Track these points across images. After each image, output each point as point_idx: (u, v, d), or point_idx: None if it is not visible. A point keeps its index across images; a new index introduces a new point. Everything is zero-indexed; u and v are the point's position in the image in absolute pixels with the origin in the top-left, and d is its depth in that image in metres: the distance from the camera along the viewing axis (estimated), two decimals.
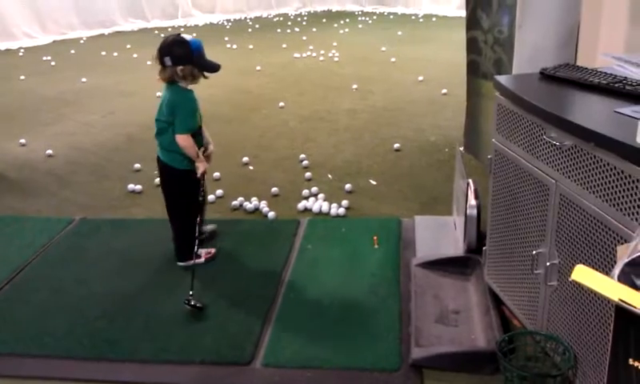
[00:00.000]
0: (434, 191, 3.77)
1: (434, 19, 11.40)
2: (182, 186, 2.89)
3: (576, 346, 1.95)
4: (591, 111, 1.94)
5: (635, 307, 1.05)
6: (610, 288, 1.11)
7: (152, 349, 2.39)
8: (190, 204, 2.88)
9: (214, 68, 2.81)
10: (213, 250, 3.04)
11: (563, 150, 1.88)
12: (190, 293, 2.63)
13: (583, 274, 1.14)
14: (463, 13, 4.18)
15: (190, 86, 2.82)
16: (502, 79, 2.31)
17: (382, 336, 2.40)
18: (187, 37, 2.77)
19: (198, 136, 2.85)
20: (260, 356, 2.32)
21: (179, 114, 2.75)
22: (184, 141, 2.76)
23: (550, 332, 2.09)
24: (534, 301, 2.18)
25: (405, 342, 2.34)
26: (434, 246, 3.04)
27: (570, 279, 1.14)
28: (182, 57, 2.71)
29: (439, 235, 3.16)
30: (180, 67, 2.71)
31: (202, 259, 2.95)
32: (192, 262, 2.80)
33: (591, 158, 1.75)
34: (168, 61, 2.71)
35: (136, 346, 2.41)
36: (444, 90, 6.09)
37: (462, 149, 3.26)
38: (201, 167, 2.84)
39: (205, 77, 2.84)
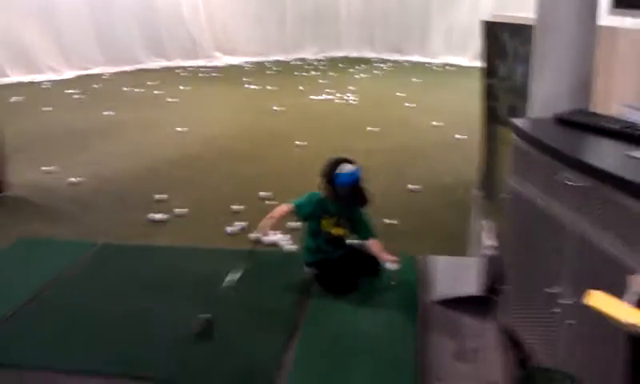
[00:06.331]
0: (449, 231, 3.85)
1: (448, 68, 11.62)
2: None
3: None
4: (604, 154, 2.03)
5: None
6: (625, 313, 1.18)
7: (175, 369, 2.46)
8: None
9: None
10: None
11: (578, 190, 1.96)
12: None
13: (597, 300, 1.21)
14: (477, 63, 4.33)
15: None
16: (518, 122, 2.41)
17: (400, 369, 2.45)
18: (348, 167, 3.14)
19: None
20: None
21: None
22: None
23: (568, 370, 2.14)
24: (553, 339, 2.22)
25: (425, 377, 2.40)
26: (450, 285, 3.10)
27: (582, 303, 1.21)
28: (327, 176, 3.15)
29: (455, 274, 3.22)
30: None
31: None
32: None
33: (606, 199, 1.84)
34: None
35: (160, 365, 2.47)
36: (457, 135, 6.21)
37: (476, 191, 3.36)
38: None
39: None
